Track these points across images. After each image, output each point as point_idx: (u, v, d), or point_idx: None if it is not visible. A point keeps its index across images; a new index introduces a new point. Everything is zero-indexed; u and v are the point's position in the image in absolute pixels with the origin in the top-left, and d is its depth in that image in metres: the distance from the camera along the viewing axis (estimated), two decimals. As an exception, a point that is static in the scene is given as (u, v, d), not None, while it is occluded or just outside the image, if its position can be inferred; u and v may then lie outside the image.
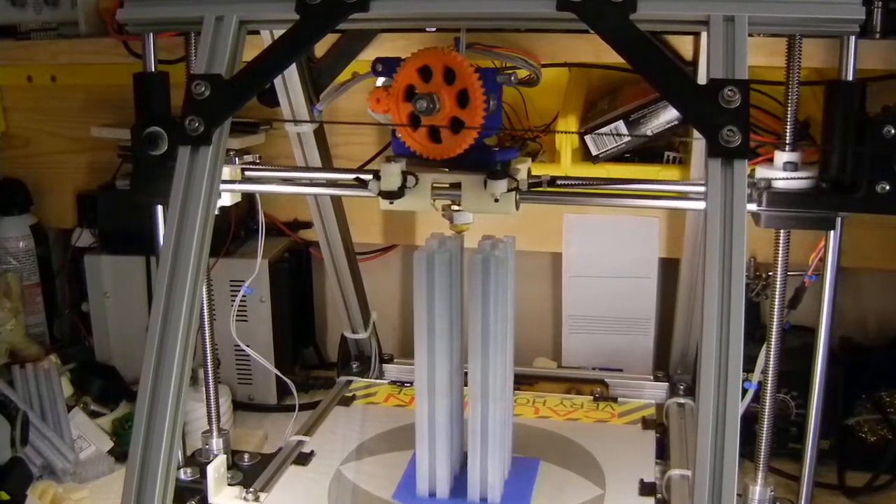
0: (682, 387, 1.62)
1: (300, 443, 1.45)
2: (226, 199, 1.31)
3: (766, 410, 1.20)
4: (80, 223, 1.90)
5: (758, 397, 1.21)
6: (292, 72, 1.44)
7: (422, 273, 1.23)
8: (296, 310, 1.85)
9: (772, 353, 1.18)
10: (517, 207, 1.17)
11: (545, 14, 1.01)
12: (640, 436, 1.49)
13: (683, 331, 1.62)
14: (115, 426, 1.61)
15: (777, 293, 1.16)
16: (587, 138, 1.51)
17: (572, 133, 1.50)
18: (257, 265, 1.50)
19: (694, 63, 1.39)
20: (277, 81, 1.46)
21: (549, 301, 1.87)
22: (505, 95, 1.58)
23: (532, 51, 1.39)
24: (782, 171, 1.09)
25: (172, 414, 0.99)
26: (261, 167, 1.33)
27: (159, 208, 1.28)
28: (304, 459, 1.42)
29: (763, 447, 1.21)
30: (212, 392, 1.40)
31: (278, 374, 1.64)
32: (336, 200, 1.62)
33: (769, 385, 1.19)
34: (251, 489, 1.31)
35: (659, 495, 1.29)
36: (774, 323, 1.17)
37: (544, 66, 1.52)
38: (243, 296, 1.56)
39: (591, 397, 1.63)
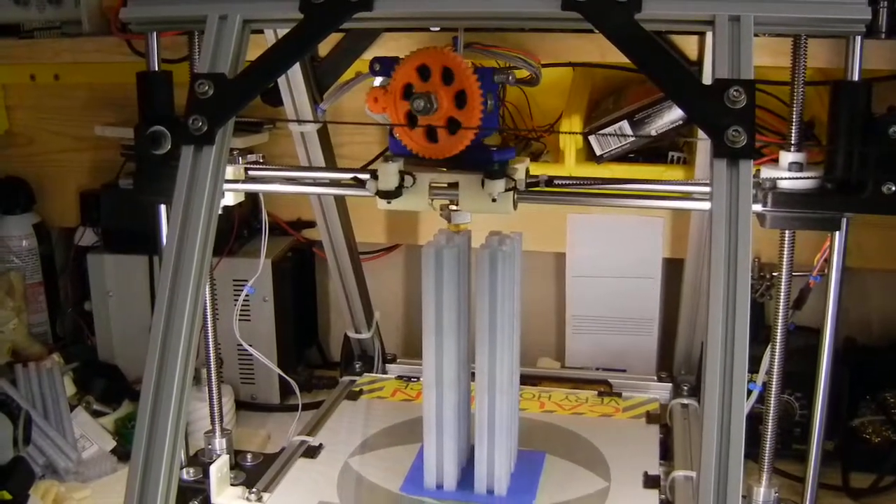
0: (685, 387, 1.61)
1: (303, 443, 1.45)
2: (229, 199, 1.31)
3: (771, 411, 1.19)
4: (83, 222, 1.89)
5: (762, 398, 1.21)
6: (296, 71, 1.44)
7: (430, 268, 1.24)
8: (299, 309, 1.85)
9: (776, 353, 1.18)
10: (515, 207, 1.17)
11: (550, 13, 1.01)
12: (644, 430, 1.50)
13: (687, 331, 1.62)
14: (118, 425, 1.61)
15: (782, 294, 1.16)
16: (591, 138, 1.51)
17: (576, 133, 1.49)
18: (260, 264, 1.50)
19: (699, 63, 1.39)
20: (281, 81, 1.46)
21: (552, 301, 1.87)
22: (509, 95, 1.59)
23: (536, 50, 1.39)
24: (787, 172, 1.08)
25: (175, 413, 0.99)
26: (264, 167, 1.33)
27: (162, 207, 1.28)
28: (312, 452, 1.43)
29: (767, 448, 1.21)
30: (215, 392, 1.40)
31: (281, 373, 1.64)
32: (339, 200, 1.62)
33: (774, 386, 1.19)
34: (254, 489, 1.30)
35: (663, 496, 1.29)
36: (779, 324, 1.17)
37: (548, 65, 1.52)
38: (246, 295, 1.56)
39: (596, 392, 1.63)
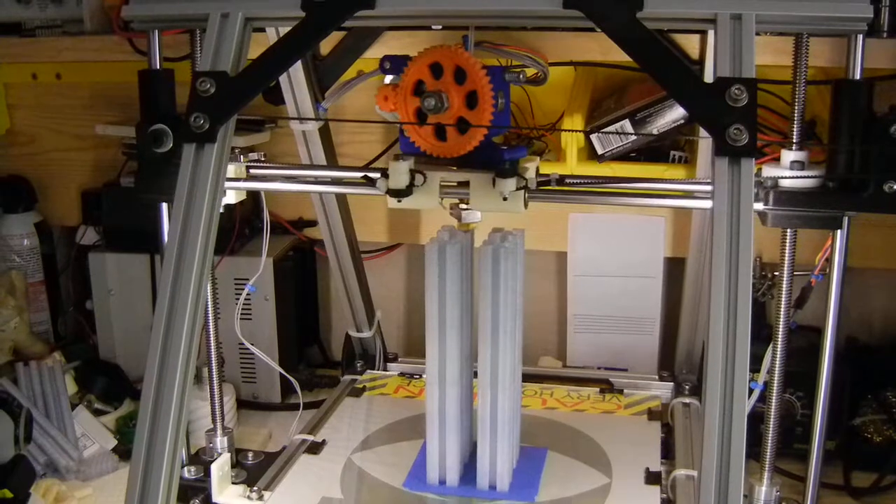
0: (687, 386, 1.61)
1: (304, 441, 1.45)
2: (230, 197, 1.31)
3: (773, 410, 1.19)
4: (84, 221, 1.89)
5: (763, 397, 1.21)
6: (298, 69, 1.44)
7: (433, 265, 1.24)
8: (300, 308, 1.85)
9: (778, 352, 1.17)
10: (526, 206, 1.17)
11: (552, 12, 1.01)
12: (645, 426, 1.50)
13: (689, 330, 1.62)
14: (119, 424, 1.61)
15: (784, 293, 1.16)
16: (593, 137, 1.51)
17: (578, 132, 1.49)
18: (262, 263, 1.50)
19: (700, 62, 1.39)
20: (283, 79, 1.46)
21: (554, 300, 1.87)
22: (511, 94, 1.59)
23: (538, 49, 1.39)
24: (789, 171, 1.08)
25: (176, 412, 0.99)
26: (266, 165, 1.33)
27: (164, 206, 1.28)
28: (315, 449, 1.43)
29: (769, 447, 1.20)
30: (216, 390, 1.40)
31: (282, 372, 1.64)
32: (341, 199, 1.62)
33: (775, 385, 1.18)
34: (255, 488, 1.30)
35: (664, 495, 1.29)
36: (781, 323, 1.16)
37: (550, 64, 1.52)
38: (248, 294, 1.56)
39: (598, 389, 1.64)
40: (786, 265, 1.15)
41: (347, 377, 1.73)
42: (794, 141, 1.09)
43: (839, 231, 1.09)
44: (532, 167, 1.21)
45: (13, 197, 1.88)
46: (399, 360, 1.80)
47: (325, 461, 1.40)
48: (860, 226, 1.10)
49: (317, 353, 1.98)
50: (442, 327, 1.26)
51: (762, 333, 1.27)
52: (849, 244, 1.10)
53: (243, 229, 1.75)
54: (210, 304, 1.35)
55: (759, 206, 1.08)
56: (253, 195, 1.47)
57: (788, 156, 1.09)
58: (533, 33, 1.44)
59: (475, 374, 1.30)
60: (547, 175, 1.21)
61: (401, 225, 1.84)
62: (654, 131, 1.46)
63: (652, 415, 1.54)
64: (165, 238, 1.25)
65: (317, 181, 1.42)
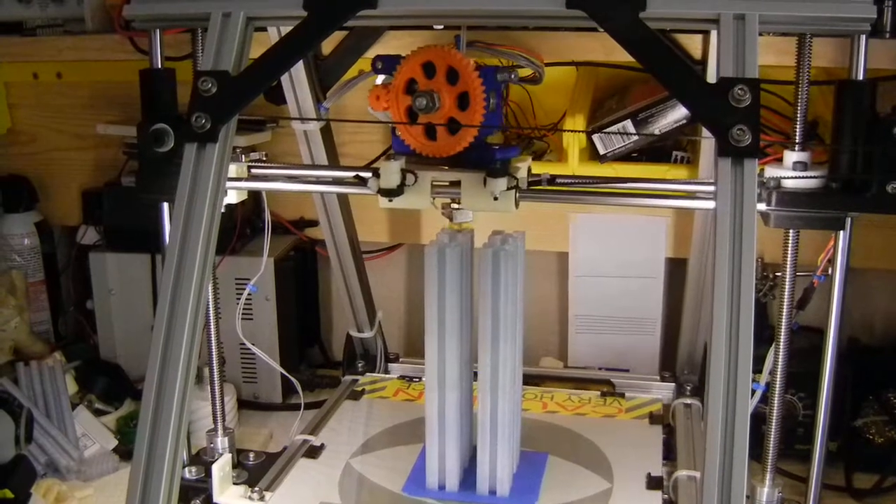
0: (688, 387, 1.61)
1: (305, 442, 1.44)
2: (232, 197, 1.30)
3: (775, 411, 1.19)
4: (85, 220, 1.89)
5: (765, 398, 1.20)
6: (299, 69, 1.44)
7: (433, 267, 1.24)
8: (301, 308, 1.85)
9: (780, 353, 1.17)
10: (517, 206, 1.17)
11: (554, 12, 1.01)
12: (647, 430, 1.50)
13: (690, 331, 1.62)
14: (120, 424, 1.61)
15: (786, 294, 1.15)
16: (595, 137, 1.50)
17: (580, 132, 1.49)
18: (263, 263, 1.50)
19: (703, 62, 1.39)
20: (284, 79, 1.45)
21: (555, 301, 1.87)
22: (512, 94, 1.59)
23: (539, 49, 1.39)
24: (792, 171, 1.08)
25: (177, 412, 0.99)
26: (267, 165, 1.33)
27: (165, 206, 1.27)
28: (314, 453, 1.43)
29: (771, 448, 1.20)
30: (217, 390, 1.40)
31: (284, 372, 1.63)
32: (342, 199, 1.61)
33: (777, 386, 1.18)
34: (256, 488, 1.30)
35: (666, 496, 1.28)
36: (783, 323, 1.16)
37: (552, 64, 1.53)
38: (249, 294, 1.56)
39: (599, 392, 1.63)
40: (788, 266, 1.15)
41: (348, 377, 1.73)
42: (797, 141, 1.09)
43: (842, 232, 1.09)
44: (524, 167, 1.21)
45: (14, 196, 1.88)
46: (401, 360, 1.80)
47: (323, 465, 1.39)
48: (862, 226, 1.10)
49: (318, 353, 1.98)
50: (441, 331, 1.26)
51: (764, 334, 1.27)
52: (851, 245, 1.10)
53: (244, 229, 1.75)
54: (211, 304, 1.35)
55: (761, 206, 1.08)
56: (254, 195, 1.47)
57: (791, 156, 1.09)
58: (534, 33, 1.44)
59: (475, 378, 1.30)
60: (539, 175, 1.21)
61: (402, 225, 1.84)
62: (657, 132, 1.46)
63: (653, 418, 1.53)
64: (166, 238, 1.25)
65: (317, 181, 1.41)
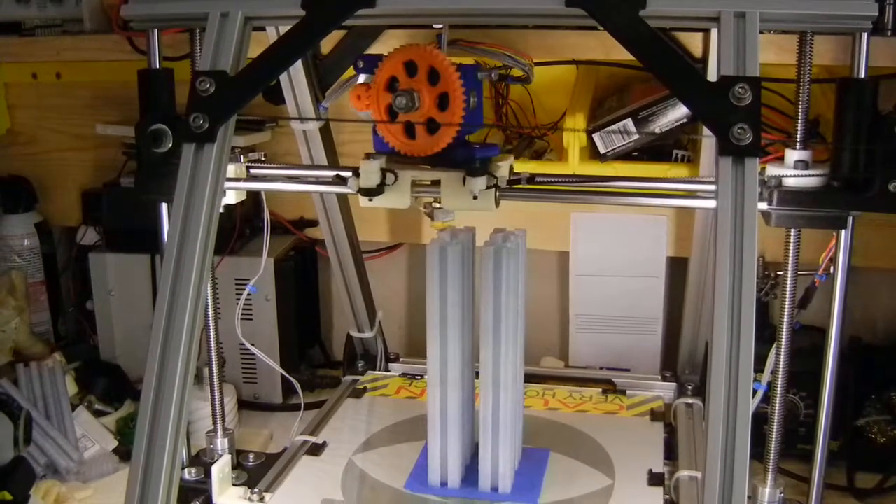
0: (690, 387, 1.61)
1: (306, 442, 1.44)
2: (231, 197, 1.30)
3: (776, 411, 1.19)
4: (84, 221, 1.89)
5: (766, 398, 1.20)
6: (298, 69, 1.44)
7: (434, 265, 1.24)
8: (301, 308, 1.85)
9: (782, 353, 1.17)
10: (497, 204, 1.17)
11: (554, 10, 1.00)
12: (648, 427, 1.50)
13: (691, 330, 1.62)
14: (120, 425, 1.61)
15: (787, 293, 1.15)
16: (595, 136, 1.50)
17: (580, 131, 1.49)
18: (263, 263, 1.49)
19: (703, 61, 1.38)
20: (283, 78, 1.45)
21: (556, 300, 1.86)
22: (512, 93, 1.59)
23: (539, 47, 1.39)
24: (793, 170, 1.08)
25: (176, 413, 0.98)
26: (266, 165, 1.33)
27: (164, 206, 1.27)
28: (316, 450, 1.43)
29: (773, 448, 1.20)
30: (216, 391, 1.39)
31: (283, 373, 1.63)
32: (342, 198, 1.61)
33: (779, 386, 1.18)
34: (256, 489, 1.30)
35: (667, 496, 1.28)
36: (784, 323, 1.16)
37: (552, 63, 1.52)
38: (248, 294, 1.55)
39: (600, 390, 1.63)
40: (789, 265, 1.14)
41: (349, 378, 1.72)
42: (798, 140, 1.08)
43: (843, 231, 1.08)
44: (504, 165, 1.21)
45: (13, 197, 1.88)
46: (401, 360, 1.79)
47: (326, 463, 1.40)
48: (863, 225, 1.09)
49: (318, 353, 1.98)
50: (443, 328, 1.26)
51: (765, 333, 1.27)
52: (852, 244, 1.10)
53: (244, 229, 1.75)
54: (210, 304, 1.35)
55: (762, 205, 1.07)
56: (253, 195, 1.47)
57: (792, 155, 1.09)
58: (534, 31, 1.44)
59: (477, 375, 1.30)
60: (519, 174, 1.21)
61: (402, 225, 1.84)
62: (657, 130, 1.46)
63: (655, 415, 1.53)
64: (165, 238, 1.25)
65: (316, 181, 1.41)
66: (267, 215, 1.45)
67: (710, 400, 0.91)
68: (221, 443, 1.40)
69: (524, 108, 1.63)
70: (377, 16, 1.06)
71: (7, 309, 1.73)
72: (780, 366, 1.17)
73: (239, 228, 1.71)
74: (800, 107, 1.08)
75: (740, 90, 0.93)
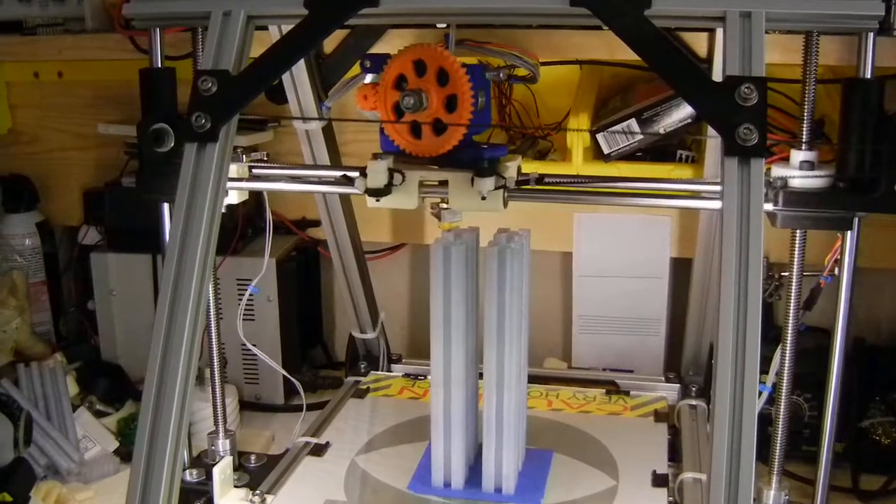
0: (694, 388, 1.60)
1: (308, 443, 1.44)
2: (233, 197, 1.30)
3: (781, 413, 1.18)
4: (86, 221, 1.89)
5: (772, 399, 1.20)
6: (300, 68, 1.43)
7: (438, 265, 1.24)
8: (303, 309, 1.84)
9: (787, 354, 1.16)
10: (505, 205, 1.17)
11: (558, 10, 1.00)
12: (652, 428, 1.50)
13: (695, 331, 1.61)
14: (121, 426, 1.60)
15: (793, 294, 1.14)
16: (599, 136, 1.49)
17: (584, 131, 1.48)
18: (265, 264, 1.49)
19: (708, 61, 1.38)
20: (285, 78, 1.45)
21: (559, 301, 1.86)
22: (515, 93, 1.58)
23: (543, 47, 1.38)
24: (799, 170, 1.07)
25: (178, 414, 0.98)
26: (268, 165, 1.32)
27: (166, 206, 1.27)
28: (319, 451, 1.42)
29: (778, 450, 1.19)
30: (218, 392, 1.39)
31: (285, 374, 1.63)
32: (344, 198, 1.61)
33: (784, 387, 1.17)
34: (258, 491, 1.29)
35: (671, 498, 1.28)
36: (790, 324, 1.15)
37: (556, 63, 1.51)
38: (250, 295, 1.54)
39: (604, 390, 1.63)
40: (795, 266, 1.14)
41: (351, 378, 1.72)
42: (804, 140, 1.08)
43: (849, 232, 1.08)
44: (512, 166, 1.20)
45: (15, 196, 1.88)
46: (403, 361, 1.79)
47: (328, 463, 1.39)
48: (868, 226, 1.09)
49: (320, 354, 1.97)
50: (447, 329, 1.25)
51: (769, 335, 1.26)
52: (858, 245, 1.09)
53: (246, 229, 1.74)
54: (212, 304, 1.35)
55: (768, 206, 1.07)
56: (256, 195, 1.46)
57: (798, 155, 1.08)
58: (537, 31, 1.43)
59: (480, 376, 1.29)
60: (528, 174, 1.21)
61: (405, 225, 1.84)
62: (661, 130, 1.45)
63: (658, 416, 1.53)
64: (167, 238, 1.25)
65: (319, 181, 1.40)
66: (269, 215, 1.45)
67: (715, 402, 0.90)
68: (223, 444, 1.40)
69: (527, 108, 1.63)
70: (380, 15, 1.06)
71: (8, 309, 1.72)
72: (786, 367, 1.17)
73: (241, 228, 1.71)
74: (805, 107, 1.08)
75: (746, 90, 0.93)
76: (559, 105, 1.61)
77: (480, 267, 1.27)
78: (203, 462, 1.38)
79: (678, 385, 1.63)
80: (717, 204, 1.01)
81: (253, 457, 1.41)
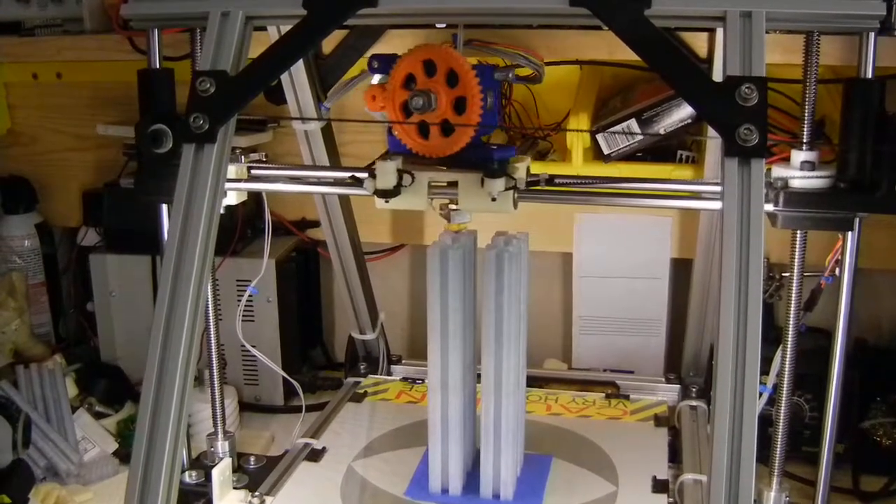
0: (694, 389, 1.60)
1: (307, 445, 1.43)
2: (232, 198, 1.30)
3: (782, 414, 1.18)
4: (85, 222, 1.89)
5: (772, 400, 1.19)
6: (299, 68, 1.43)
7: (435, 268, 1.23)
8: (303, 310, 1.84)
9: (787, 355, 1.16)
10: (515, 206, 1.16)
11: (558, 10, 1.00)
12: (652, 433, 1.49)
13: (696, 332, 1.61)
14: (120, 427, 1.60)
15: (793, 295, 1.14)
16: (599, 137, 1.49)
17: (584, 131, 1.48)
18: (264, 265, 1.49)
19: (709, 61, 1.37)
20: (284, 78, 1.45)
21: (559, 302, 1.85)
22: (515, 93, 1.58)
23: (543, 47, 1.38)
24: (799, 171, 1.07)
25: (176, 415, 0.97)
26: (267, 165, 1.32)
27: (164, 207, 1.27)
28: (315, 456, 1.42)
29: (778, 451, 1.19)
30: (217, 393, 1.38)
31: (285, 375, 1.63)
32: (344, 199, 1.60)
33: (784, 388, 1.17)
34: (257, 493, 1.29)
35: (671, 500, 1.27)
36: (790, 325, 1.15)
37: (556, 63, 1.51)
38: (250, 296, 1.54)
39: (603, 394, 1.62)
40: (795, 267, 1.14)
41: (350, 379, 1.72)
42: (805, 141, 1.08)
43: (850, 233, 1.08)
44: (522, 167, 1.19)
45: (14, 197, 1.88)
46: (403, 362, 1.79)
47: (325, 469, 1.38)
48: (868, 226, 1.09)
49: (320, 355, 1.97)
50: (444, 333, 1.25)
51: (770, 335, 1.26)
52: (859, 245, 1.09)
53: (245, 230, 1.74)
54: (211, 305, 1.34)
55: (768, 207, 1.07)
56: (255, 195, 1.46)
57: (799, 156, 1.08)
58: (538, 31, 1.43)
59: (479, 380, 1.28)
60: (537, 175, 1.20)
61: (404, 226, 1.83)
62: (661, 131, 1.45)
63: (658, 421, 1.52)
64: (165, 239, 1.24)
65: (318, 182, 1.40)
66: (268, 216, 1.45)
67: (715, 403, 0.90)
68: (222, 445, 1.39)
69: (527, 109, 1.62)
70: (379, 15, 1.06)
71: (7, 310, 1.72)
72: (786, 368, 1.16)
73: (240, 229, 1.71)
74: (806, 107, 1.07)
75: (746, 90, 0.93)
76: (559, 105, 1.61)
77: (478, 270, 1.26)
78: (202, 463, 1.38)
79: (678, 386, 1.63)
80: (717, 204, 1.01)
81: (252, 458, 1.41)
